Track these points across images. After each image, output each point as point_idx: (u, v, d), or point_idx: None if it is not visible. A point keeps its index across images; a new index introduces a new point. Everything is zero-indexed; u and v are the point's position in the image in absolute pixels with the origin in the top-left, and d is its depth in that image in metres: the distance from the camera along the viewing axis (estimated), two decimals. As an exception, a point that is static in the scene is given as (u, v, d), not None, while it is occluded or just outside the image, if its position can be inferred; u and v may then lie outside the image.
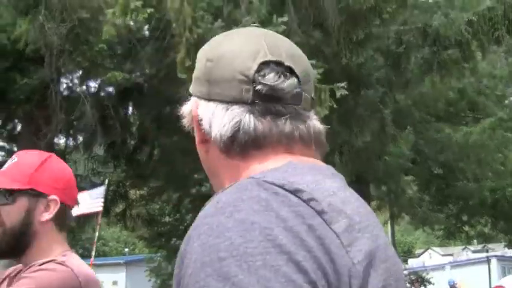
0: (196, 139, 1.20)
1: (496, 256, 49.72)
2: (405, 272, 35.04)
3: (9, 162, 2.14)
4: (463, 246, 45.75)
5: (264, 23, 10.71)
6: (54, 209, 2.08)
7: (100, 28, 10.33)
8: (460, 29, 12.86)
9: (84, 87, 13.55)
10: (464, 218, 24.87)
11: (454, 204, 23.09)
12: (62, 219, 2.12)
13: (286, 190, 0.95)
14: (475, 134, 18.05)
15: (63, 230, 2.15)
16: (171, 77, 12.47)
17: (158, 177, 18.58)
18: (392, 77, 13.50)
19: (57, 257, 2.03)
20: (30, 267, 1.99)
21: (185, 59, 9.50)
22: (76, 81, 13.65)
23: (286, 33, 11.26)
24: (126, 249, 55.91)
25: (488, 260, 38.17)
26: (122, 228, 26.77)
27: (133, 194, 19.84)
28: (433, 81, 14.38)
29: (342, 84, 10.42)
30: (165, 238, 27.98)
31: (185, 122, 1.24)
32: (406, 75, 14.01)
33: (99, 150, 17.14)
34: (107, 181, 12.76)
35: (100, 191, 12.17)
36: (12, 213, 2.04)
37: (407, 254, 63.79)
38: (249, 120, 1.09)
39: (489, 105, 21.00)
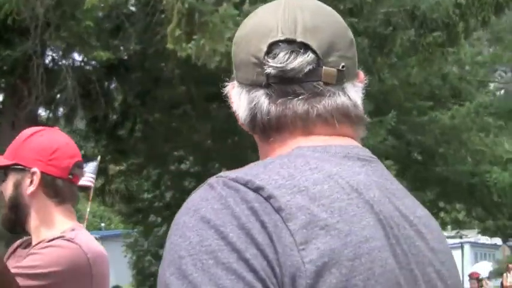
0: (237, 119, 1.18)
1: (469, 242, 50.44)
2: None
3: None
4: (437, 232, 46.72)
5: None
6: (36, 181, 2.07)
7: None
8: (448, 11, 12.87)
9: (69, 61, 13.38)
10: (441, 204, 25.08)
11: (432, 190, 23.25)
12: (54, 191, 2.11)
13: (248, 187, 0.96)
14: (457, 117, 18.12)
15: (64, 202, 2.13)
16: (158, 54, 12.42)
17: (139, 153, 18.57)
18: (377, 57, 13.51)
19: (67, 232, 2.02)
20: (39, 242, 2.00)
21: (175, 30, 9.46)
22: (60, 53, 13.48)
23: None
24: (103, 224, 55.87)
25: (461, 246, 38.67)
26: (100, 204, 26.73)
27: (113, 169, 19.79)
28: (418, 64, 14.42)
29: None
30: (142, 214, 28.06)
31: (230, 102, 1.21)
32: (391, 57, 14.04)
33: (80, 124, 17.06)
34: (99, 157, 12.69)
35: (92, 166, 12.14)
36: (7, 190, 2.10)
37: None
38: (263, 104, 1.09)
39: (471, 92, 21.17)
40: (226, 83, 1.21)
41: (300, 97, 1.07)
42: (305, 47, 1.07)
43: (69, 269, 1.90)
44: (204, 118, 17.22)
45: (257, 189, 0.95)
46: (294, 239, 0.91)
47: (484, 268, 46.63)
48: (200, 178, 27.53)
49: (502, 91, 26.88)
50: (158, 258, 33.96)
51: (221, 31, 9.86)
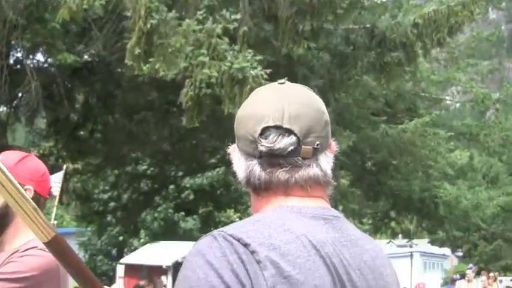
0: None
1: (418, 251, 51.22)
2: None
3: None
4: (388, 240, 47.09)
5: (214, 11, 11.03)
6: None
7: (58, 7, 10.37)
8: (406, 31, 13.34)
9: (33, 62, 13.44)
10: (393, 214, 25.59)
11: (384, 200, 23.73)
12: (38, 203, 2.46)
13: (240, 243, 1.31)
14: (409, 131, 18.45)
15: None
16: (121, 59, 12.60)
17: (98, 154, 18.66)
18: (336, 75, 13.88)
19: (39, 243, 2.40)
20: (15, 252, 2.36)
21: (135, 48, 9.72)
22: (25, 54, 13.52)
23: (238, 24, 11.55)
24: (55, 222, 55.18)
25: (411, 255, 39.26)
26: (52, 202, 26.56)
27: (70, 169, 19.77)
28: (376, 81, 14.84)
29: (283, 80, 10.73)
30: (98, 214, 28.08)
31: (230, 157, 1.57)
32: (350, 75, 14.43)
33: (41, 124, 17.10)
34: (64, 167, 12.85)
35: (58, 176, 12.33)
36: None
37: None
38: (256, 171, 1.45)
39: (425, 108, 21.77)
40: (229, 145, 1.59)
41: (283, 168, 1.43)
42: (289, 132, 1.42)
43: (44, 273, 2.30)
44: (163, 122, 17.44)
45: (245, 245, 1.31)
46: (267, 283, 1.27)
47: (433, 278, 47.56)
48: (156, 180, 27.69)
49: (457, 105, 27.54)
50: (110, 257, 33.84)
51: (180, 48, 10.19)
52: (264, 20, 13.00)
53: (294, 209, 1.43)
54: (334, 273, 1.36)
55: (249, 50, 10.93)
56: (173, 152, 21.56)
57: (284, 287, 1.29)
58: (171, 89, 15.44)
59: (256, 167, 1.46)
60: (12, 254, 2.37)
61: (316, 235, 1.39)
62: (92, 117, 16.77)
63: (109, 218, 32.94)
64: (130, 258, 31.04)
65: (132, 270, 29.25)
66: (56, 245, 1.45)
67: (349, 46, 13.90)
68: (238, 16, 10.85)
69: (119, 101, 15.56)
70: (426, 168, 21.73)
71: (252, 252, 1.30)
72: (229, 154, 1.59)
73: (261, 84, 10.52)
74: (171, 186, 30.92)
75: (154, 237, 36.39)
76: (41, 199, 2.51)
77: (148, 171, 26.76)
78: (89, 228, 33.73)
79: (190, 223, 37.71)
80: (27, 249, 2.35)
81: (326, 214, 1.47)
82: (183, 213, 36.20)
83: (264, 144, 1.42)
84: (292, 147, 1.43)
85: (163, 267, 26.03)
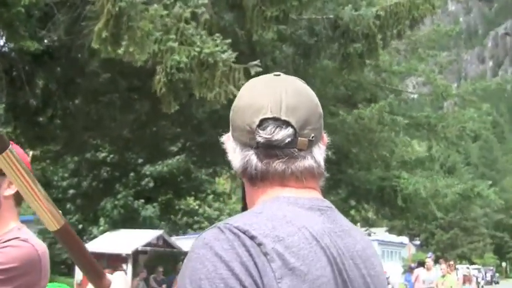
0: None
1: (377, 240, 51.84)
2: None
3: None
4: (347, 229, 47.79)
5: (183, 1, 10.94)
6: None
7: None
8: (368, 23, 13.44)
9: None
10: (352, 203, 25.80)
11: (344, 189, 23.91)
12: (19, 196, 2.44)
13: (246, 235, 1.34)
14: (366, 117, 18.48)
15: (18, 205, 2.55)
16: (84, 45, 12.45)
17: (58, 140, 18.45)
18: (300, 66, 13.93)
19: (14, 231, 2.42)
20: None
21: (103, 31, 9.59)
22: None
23: (200, 13, 11.50)
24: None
25: (369, 244, 39.70)
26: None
27: (29, 155, 19.51)
28: (336, 71, 14.94)
29: (255, 62, 10.80)
30: (58, 202, 27.71)
31: (224, 147, 1.61)
32: (313, 66, 14.50)
33: (-1, 109, 16.86)
34: (31, 153, 12.68)
35: None
36: None
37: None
38: (252, 161, 1.49)
39: (385, 98, 21.94)
40: (223, 134, 1.62)
41: (280, 159, 1.47)
42: (287, 124, 1.46)
43: (26, 264, 2.29)
44: (125, 109, 17.32)
45: (252, 238, 1.33)
46: (274, 275, 1.30)
47: (392, 266, 48.24)
48: (116, 167, 27.49)
49: (415, 96, 27.86)
50: (69, 245, 33.51)
51: (149, 32, 10.09)
52: (226, 9, 12.97)
53: (290, 200, 1.47)
54: (333, 263, 1.41)
55: (217, 34, 10.89)
56: (133, 139, 21.42)
57: (290, 279, 1.32)
58: (135, 75, 15.37)
59: (252, 157, 1.49)
60: None
61: (314, 226, 1.43)
62: (51, 103, 16.56)
63: (68, 205, 32.71)
64: (89, 247, 30.91)
65: (92, 258, 29.06)
66: (64, 234, 1.46)
67: (313, 37, 13.95)
68: (206, 0, 10.77)
69: (80, 86, 15.41)
70: (385, 157, 21.98)
71: (259, 245, 1.33)
72: (222, 143, 1.62)
73: (230, 68, 10.61)
74: (131, 174, 30.78)
75: (114, 225, 36.22)
76: None
77: (108, 159, 26.55)
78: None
79: (149, 211, 37.60)
80: (8, 240, 2.34)
81: (321, 205, 1.52)
82: (142, 200, 36.11)
83: (262, 136, 1.46)
84: (289, 139, 1.47)
85: (123, 255, 25.96)
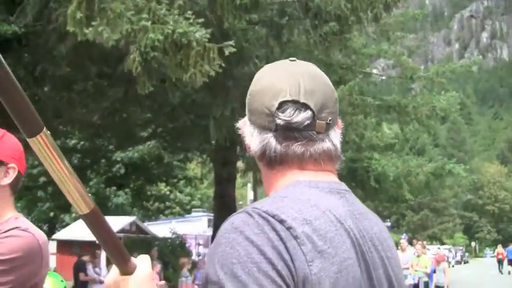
0: (246, 147, 1.61)
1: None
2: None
3: None
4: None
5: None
6: (12, 175, 2.43)
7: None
8: (340, 4, 13.42)
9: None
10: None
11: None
12: (16, 185, 2.49)
13: (276, 219, 1.34)
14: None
15: (14, 194, 2.52)
16: (54, 31, 12.30)
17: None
18: (275, 48, 13.90)
19: (12, 220, 2.41)
20: None
21: (76, 13, 9.48)
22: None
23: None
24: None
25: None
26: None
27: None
28: (311, 53, 14.93)
29: (229, 42, 10.77)
30: (29, 190, 27.53)
31: (239, 132, 1.65)
32: (289, 46, 14.48)
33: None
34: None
35: None
36: None
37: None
38: (271, 144, 1.51)
39: (354, 79, 22.04)
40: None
41: (299, 142, 1.49)
42: (305, 106, 1.48)
43: (27, 254, 2.29)
44: (97, 96, 17.18)
45: (281, 222, 1.34)
46: (306, 258, 1.31)
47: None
48: (87, 154, 27.33)
49: (383, 79, 28.08)
50: (41, 233, 33.31)
51: (121, 14, 9.98)
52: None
53: (312, 184, 1.49)
54: (356, 245, 1.43)
55: (189, 12, 10.80)
56: (104, 125, 21.27)
57: (320, 261, 1.33)
58: (105, 60, 15.24)
59: (271, 140, 1.51)
60: None
61: (337, 209, 1.46)
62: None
63: (39, 193, 32.43)
64: (62, 234, 30.78)
65: (65, 246, 28.98)
66: (93, 218, 1.43)
67: (284, 17, 13.91)
68: None
69: (49, 73, 15.22)
70: (355, 141, 22.12)
71: (289, 228, 1.34)
72: (238, 128, 1.65)
73: (205, 47, 10.57)
74: (102, 161, 30.60)
75: (86, 212, 36.00)
76: (20, 177, 2.48)
77: (79, 146, 26.36)
78: (18, 204, 33.03)
79: (121, 197, 37.48)
80: (8, 230, 2.32)
81: (340, 188, 1.55)
82: (114, 187, 35.95)
83: (282, 118, 1.48)
84: (308, 122, 1.49)
85: (96, 242, 25.92)
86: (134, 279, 1.51)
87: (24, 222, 2.43)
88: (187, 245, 31.53)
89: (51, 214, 35.72)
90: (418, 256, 18.83)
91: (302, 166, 1.51)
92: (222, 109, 14.78)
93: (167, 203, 45.22)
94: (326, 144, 1.52)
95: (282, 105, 1.48)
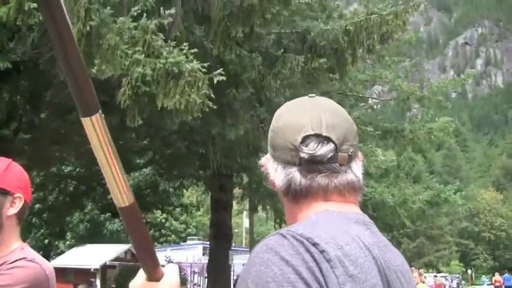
0: (270, 183, 1.64)
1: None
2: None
3: None
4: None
5: (150, 14, 10.87)
6: (19, 204, 2.43)
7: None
8: (338, 38, 13.48)
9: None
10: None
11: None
12: (22, 214, 2.48)
13: (309, 242, 1.37)
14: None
15: (20, 224, 2.50)
16: (53, 59, 12.29)
17: (23, 155, 18.23)
18: (268, 76, 13.95)
19: (18, 251, 2.40)
20: (2, 264, 2.32)
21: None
22: None
23: (169, 27, 11.45)
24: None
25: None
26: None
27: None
28: (304, 85, 15.00)
29: (219, 71, 10.79)
30: (26, 217, 27.26)
31: (262, 169, 1.68)
32: (279, 77, 14.52)
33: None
34: None
35: None
36: None
37: (259, 243, 65.47)
38: (296, 177, 1.54)
39: (351, 105, 22.18)
40: (262, 156, 1.69)
41: (323, 174, 1.53)
42: (328, 139, 1.52)
43: (34, 285, 2.27)
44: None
45: (315, 244, 1.37)
46: (338, 281, 1.34)
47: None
48: (83, 181, 27.28)
49: (379, 106, 28.16)
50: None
51: (116, 46, 10.00)
52: (195, 23, 12.95)
53: (339, 214, 1.52)
54: (383, 274, 1.46)
55: (184, 44, 10.84)
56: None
57: (351, 285, 1.35)
58: (101, 89, 15.25)
59: (296, 174, 1.54)
60: (0, 265, 2.33)
61: (365, 238, 1.49)
62: (16, 116, 16.38)
63: (34, 220, 32.28)
64: (57, 262, 30.61)
65: (60, 273, 28.72)
66: (131, 213, 1.42)
67: (280, 49, 13.98)
68: (173, 11, 10.72)
69: (47, 100, 15.25)
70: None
71: (322, 252, 1.37)
72: (261, 166, 1.68)
73: (196, 78, 10.58)
74: (98, 188, 30.51)
75: (81, 239, 35.86)
76: (26, 206, 2.48)
77: (74, 173, 26.31)
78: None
79: (116, 224, 37.30)
80: (15, 261, 2.31)
81: (365, 220, 1.58)
82: (109, 213, 35.81)
83: (306, 151, 1.52)
84: (331, 154, 1.53)
85: (92, 270, 25.75)
86: (162, 286, 1.52)
87: (30, 252, 2.42)
88: (182, 273, 31.35)
89: (46, 241, 35.54)
90: (416, 284, 18.74)
91: (327, 197, 1.54)
92: (231, 130, 14.71)
93: (162, 231, 45.06)
94: (349, 176, 1.56)
95: (305, 140, 1.52)
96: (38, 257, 2.42)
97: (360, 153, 1.65)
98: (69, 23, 1.19)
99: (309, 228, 1.43)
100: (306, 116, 1.56)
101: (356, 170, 1.59)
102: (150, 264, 1.51)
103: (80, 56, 1.21)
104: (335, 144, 1.53)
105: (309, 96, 1.66)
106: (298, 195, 1.54)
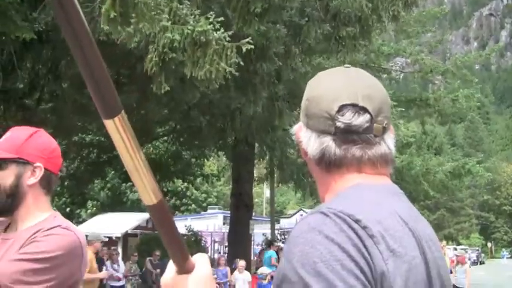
0: (301, 152, 1.64)
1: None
2: (276, 231, 36.28)
3: (4, 136, 2.51)
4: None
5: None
6: (39, 174, 2.46)
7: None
8: (361, 5, 13.34)
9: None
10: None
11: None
12: (48, 184, 2.51)
13: (351, 219, 1.36)
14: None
15: (49, 193, 2.54)
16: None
17: (46, 124, 18.35)
18: (292, 47, 13.86)
19: (50, 220, 2.45)
20: (38, 231, 2.36)
21: (110, 11, 9.41)
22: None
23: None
24: None
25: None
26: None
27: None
28: (331, 54, 14.89)
29: (247, 40, 10.74)
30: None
31: (294, 137, 1.68)
32: (304, 46, 14.43)
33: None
34: None
35: None
36: (6, 178, 2.43)
37: (279, 213, 65.87)
38: (331, 147, 1.53)
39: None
40: (294, 124, 1.69)
41: (357, 145, 1.52)
42: (364, 110, 1.51)
43: (69, 252, 2.33)
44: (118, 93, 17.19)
45: (357, 221, 1.36)
46: (382, 256, 1.34)
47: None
48: (105, 150, 27.47)
49: (401, 76, 28.03)
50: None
51: (149, 8, 9.92)
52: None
53: (371, 187, 1.51)
54: (419, 245, 1.46)
55: (211, 12, 10.78)
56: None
57: (393, 259, 1.36)
58: (124, 60, 15.28)
59: (331, 143, 1.53)
60: (35, 232, 2.37)
61: (400, 210, 1.48)
62: (38, 86, 16.46)
63: (56, 188, 32.60)
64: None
65: (82, 241, 29.02)
66: (159, 210, 1.40)
67: (303, 18, 13.87)
68: None
69: (68, 70, 15.28)
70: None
71: (364, 228, 1.36)
72: (293, 134, 1.68)
73: (224, 47, 10.55)
74: (119, 156, 30.69)
75: (102, 208, 36.20)
76: (52, 176, 2.51)
77: (96, 141, 26.46)
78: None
79: (137, 194, 37.55)
80: (50, 228, 2.36)
81: (397, 191, 1.57)
82: (130, 183, 36.04)
83: (342, 121, 1.51)
84: (367, 125, 1.52)
85: (113, 238, 26.00)
86: (194, 279, 1.49)
87: (64, 220, 2.47)
88: (203, 242, 31.58)
89: (68, 210, 35.91)
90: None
91: (360, 169, 1.53)
92: (251, 106, 14.67)
93: (183, 200, 45.32)
94: (383, 148, 1.55)
95: (341, 109, 1.51)
96: (71, 225, 2.46)
97: (392, 127, 1.63)
98: (87, 24, 1.13)
99: (348, 204, 1.41)
100: (341, 86, 1.55)
101: (389, 142, 1.58)
102: (179, 257, 1.48)
103: (100, 58, 1.13)
104: (371, 115, 1.52)
105: (345, 67, 1.65)
106: (331, 165, 1.54)
